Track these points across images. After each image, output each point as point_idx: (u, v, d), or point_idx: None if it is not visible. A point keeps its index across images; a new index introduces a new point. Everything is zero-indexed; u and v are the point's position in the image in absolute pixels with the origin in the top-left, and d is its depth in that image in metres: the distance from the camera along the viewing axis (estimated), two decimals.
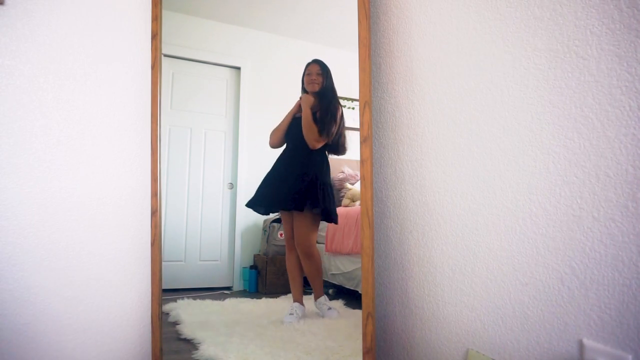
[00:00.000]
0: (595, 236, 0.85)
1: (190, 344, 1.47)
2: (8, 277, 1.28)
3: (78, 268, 1.36)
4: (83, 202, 1.37)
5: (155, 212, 1.37)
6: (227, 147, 1.88)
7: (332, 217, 1.68)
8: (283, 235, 1.90)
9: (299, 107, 1.69)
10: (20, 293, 1.29)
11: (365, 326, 1.21)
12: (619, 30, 0.83)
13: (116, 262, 1.41)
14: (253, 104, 1.90)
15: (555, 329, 0.91)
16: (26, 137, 1.32)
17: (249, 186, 1.81)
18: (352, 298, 1.68)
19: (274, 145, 1.73)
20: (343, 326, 1.54)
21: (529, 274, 0.97)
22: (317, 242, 1.82)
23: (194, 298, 1.75)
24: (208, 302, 1.76)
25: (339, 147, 1.67)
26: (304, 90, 1.71)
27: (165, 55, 1.52)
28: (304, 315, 1.62)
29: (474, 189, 1.11)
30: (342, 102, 1.83)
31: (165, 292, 1.44)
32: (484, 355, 1.06)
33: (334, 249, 1.72)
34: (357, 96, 1.30)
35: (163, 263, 1.40)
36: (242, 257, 1.88)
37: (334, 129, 1.64)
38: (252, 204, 1.77)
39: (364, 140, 1.27)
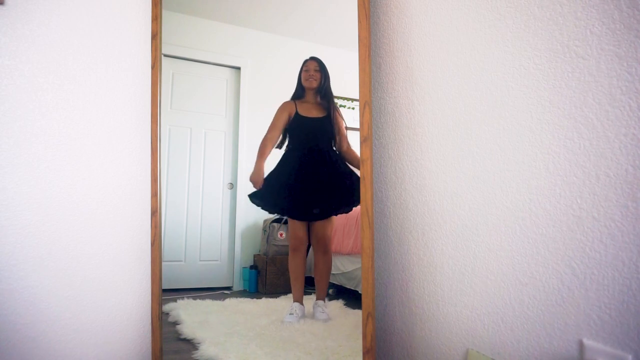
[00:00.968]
0: (595, 236, 0.85)
1: (190, 344, 1.47)
2: (8, 277, 1.28)
3: (78, 268, 1.36)
4: (83, 202, 1.37)
5: (155, 212, 1.37)
6: (227, 147, 1.88)
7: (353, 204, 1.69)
8: (283, 235, 1.90)
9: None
10: (20, 293, 1.29)
11: (365, 326, 1.21)
12: (619, 30, 0.83)
13: (116, 262, 1.41)
14: (253, 104, 1.90)
15: (555, 329, 0.91)
16: (26, 137, 1.32)
17: (249, 186, 1.81)
18: (352, 298, 1.68)
19: (269, 150, 1.73)
20: (343, 326, 1.54)
21: (529, 274, 0.97)
22: None
23: (194, 298, 1.75)
24: (208, 302, 1.76)
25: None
26: (300, 86, 1.72)
27: (165, 55, 1.52)
28: (304, 315, 1.62)
29: (474, 189, 1.11)
30: (342, 102, 1.83)
31: (165, 292, 1.44)
32: (484, 355, 1.06)
33: (334, 249, 1.72)
34: (357, 96, 1.30)
35: (163, 263, 1.40)
36: (242, 257, 1.88)
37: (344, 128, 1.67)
38: (269, 207, 1.77)
39: (364, 140, 1.27)
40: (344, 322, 1.58)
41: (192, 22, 1.85)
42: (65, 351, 1.33)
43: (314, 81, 1.69)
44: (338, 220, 1.73)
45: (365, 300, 1.23)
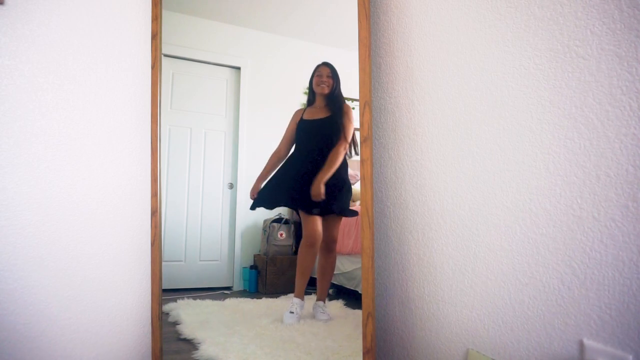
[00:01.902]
0: (595, 236, 0.85)
1: (190, 344, 1.47)
2: (8, 277, 1.28)
3: (78, 268, 1.36)
4: (83, 202, 1.37)
5: (155, 212, 1.37)
6: (227, 147, 1.88)
7: (352, 213, 1.69)
8: (283, 235, 1.90)
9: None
10: (20, 293, 1.29)
11: (365, 326, 1.21)
12: (620, 30, 0.83)
13: (116, 262, 1.41)
14: (253, 104, 1.90)
15: (556, 329, 0.91)
16: (26, 137, 1.32)
17: (249, 186, 1.81)
18: (352, 298, 1.68)
19: (272, 163, 1.76)
20: (343, 326, 1.54)
21: (529, 274, 0.97)
22: None
23: (194, 298, 1.75)
24: (208, 302, 1.76)
25: (355, 146, 1.69)
26: (311, 92, 1.72)
27: (165, 55, 1.52)
28: (303, 311, 1.62)
29: (474, 189, 1.11)
30: None
31: (165, 292, 1.44)
32: (484, 355, 1.06)
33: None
34: (357, 96, 1.30)
35: (163, 263, 1.40)
36: (242, 257, 1.88)
37: (353, 131, 1.66)
38: (265, 203, 1.77)
39: (364, 140, 1.27)
40: (344, 322, 1.58)
41: (192, 22, 1.85)
42: (65, 351, 1.33)
43: (326, 87, 1.69)
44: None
45: (365, 300, 1.23)
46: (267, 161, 1.78)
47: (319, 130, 1.69)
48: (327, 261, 1.67)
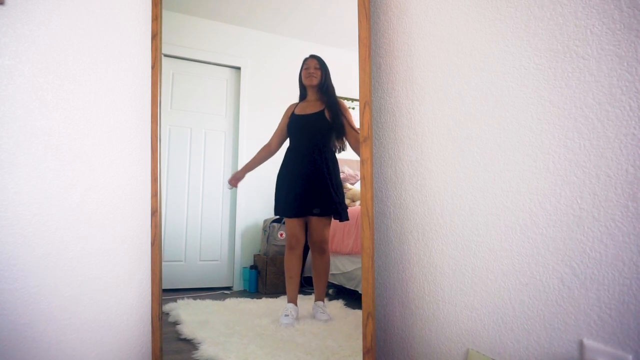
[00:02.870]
0: (595, 236, 0.85)
1: (190, 344, 1.47)
2: (8, 277, 1.28)
3: (78, 268, 1.36)
4: (83, 202, 1.37)
5: (155, 212, 1.37)
6: (227, 147, 1.88)
7: (343, 216, 1.67)
8: (283, 235, 1.90)
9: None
10: (20, 293, 1.29)
11: (365, 326, 1.21)
12: (620, 30, 0.83)
13: (116, 262, 1.41)
14: (253, 104, 1.90)
15: (556, 329, 0.91)
16: (26, 137, 1.32)
17: (249, 186, 1.81)
18: (352, 298, 1.68)
19: (260, 155, 1.75)
20: (343, 326, 1.54)
21: (529, 273, 0.97)
22: None
23: (194, 298, 1.75)
24: (208, 302, 1.76)
25: (343, 143, 1.67)
26: (301, 85, 1.72)
27: (165, 55, 1.52)
28: (298, 317, 1.62)
29: (474, 189, 1.11)
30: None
31: (165, 292, 1.44)
32: (484, 355, 1.06)
33: (334, 249, 1.72)
34: (357, 96, 1.30)
35: (163, 263, 1.40)
36: (242, 257, 1.88)
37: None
38: (282, 212, 1.75)
39: (364, 140, 1.27)
40: (344, 322, 1.58)
41: (192, 22, 1.85)
42: (65, 351, 1.33)
43: (315, 79, 1.68)
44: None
45: (365, 300, 1.23)
46: (256, 153, 1.77)
47: (313, 126, 1.68)
48: (321, 262, 1.66)
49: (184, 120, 1.82)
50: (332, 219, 1.66)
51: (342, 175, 1.86)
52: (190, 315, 1.64)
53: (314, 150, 1.65)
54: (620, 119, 0.82)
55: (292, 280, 1.67)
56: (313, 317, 1.62)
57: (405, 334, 1.30)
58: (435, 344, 1.20)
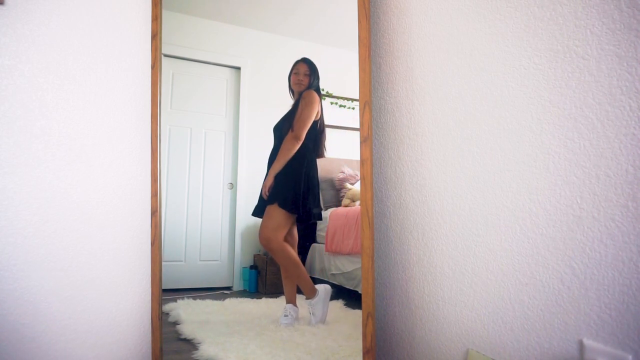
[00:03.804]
0: (595, 236, 0.85)
1: (190, 344, 1.47)
2: (8, 277, 1.28)
3: (78, 268, 1.36)
4: (83, 202, 1.37)
5: (155, 212, 1.37)
6: (227, 147, 1.88)
7: (311, 216, 1.65)
8: None
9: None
10: (20, 293, 1.29)
11: (365, 326, 1.21)
12: (619, 30, 0.83)
13: (116, 262, 1.41)
14: (253, 104, 1.90)
15: (556, 329, 0.91)
16: (26, 137, 1.32)
17: (249, 186, 1.81)
18: (352, 298, 1.67)
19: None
20: (343, 326, 1.54)
21: (529, 274, 0.97)
22: (317, 242, 1.82)
23: (194, 298, 1.75)
24: (208, 302, 1.75)
25: (319, 147, 1.66)
26: (290, 89, 1.72)
27: (165, 55, 1.52)
28: (298, 317, 1.62)
29: (474, 189, 1.11)
30: (342, 102, 1.83)
31: (165, 292, 1.44)
32: (484, 355, 1.06)
33: (334, 249, 1.72)
34: (357, 96, 1.30)
35: (163, 263, 1.40)
36: (242, 257, 1.88)
37: (310, 118, 1.63)
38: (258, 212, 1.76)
39: (364, 140, 1.27)
40: (344, 322, 1.58)
41: (192, 22, 1.85)
42: (65, 351, 1.33)
43: (302, 86, 1.69)
44: (338, 220, 1.73)
45: (365, 300, 1.23)
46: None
47: (280, 127, 1.69)
48: (278, 262, 1.66)
49: (184, 120, 1.82)
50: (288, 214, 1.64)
51: (341, 175, 1.86)
52: (190, 315, 1.64)
53: (278, 148, 1.65)
54: (620, 119, 0.82)
55: (287, 280, 1.67)
56: (312, 314, 1.61)
57: (405, 334, 1.30)
58: (435, 344, 1.20)
